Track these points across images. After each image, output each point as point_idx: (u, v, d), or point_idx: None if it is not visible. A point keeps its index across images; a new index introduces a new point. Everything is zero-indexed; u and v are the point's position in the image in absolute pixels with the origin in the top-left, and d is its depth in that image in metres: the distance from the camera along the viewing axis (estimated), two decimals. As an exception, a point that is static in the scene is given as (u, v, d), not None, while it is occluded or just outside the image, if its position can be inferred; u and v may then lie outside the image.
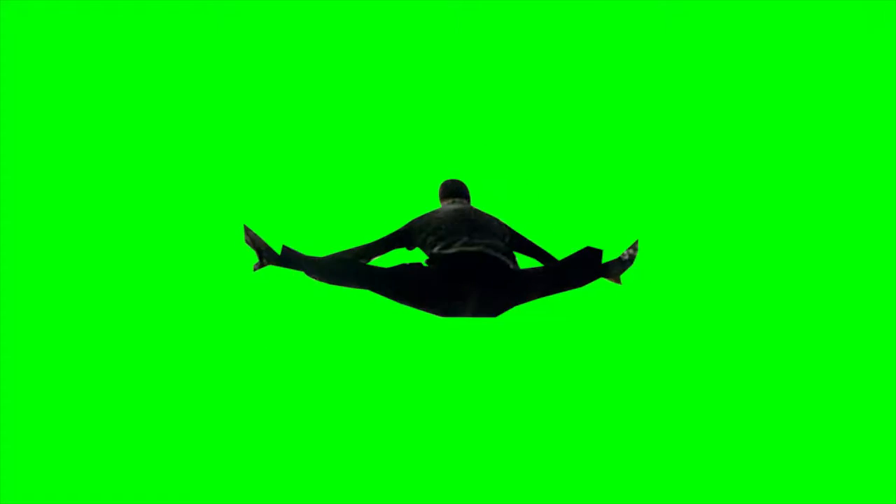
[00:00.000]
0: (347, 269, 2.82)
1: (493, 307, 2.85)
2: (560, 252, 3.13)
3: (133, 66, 3.62)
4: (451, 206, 3.11)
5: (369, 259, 2.98)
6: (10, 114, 3.43)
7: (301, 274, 2.81)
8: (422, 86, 3.77)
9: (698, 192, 3.55)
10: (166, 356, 2.89)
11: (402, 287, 2.78)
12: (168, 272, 3.14)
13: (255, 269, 2.82)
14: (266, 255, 2.79)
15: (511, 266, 2.84)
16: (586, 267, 2.89)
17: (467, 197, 3.24)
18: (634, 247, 3.04)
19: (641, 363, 2.96)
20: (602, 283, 3.03)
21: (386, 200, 3.41)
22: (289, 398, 2.77)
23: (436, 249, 2.87)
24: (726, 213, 3.48)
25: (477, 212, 3.08)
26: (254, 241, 2.79)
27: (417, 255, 3.00)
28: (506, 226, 3.10)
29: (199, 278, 3.10)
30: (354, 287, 2.81)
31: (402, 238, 3.02)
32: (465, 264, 2.78)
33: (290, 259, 2.77)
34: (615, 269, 2.99)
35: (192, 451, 2.62)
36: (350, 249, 2.97)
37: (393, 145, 3.67)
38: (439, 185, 3.27)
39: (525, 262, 3.06)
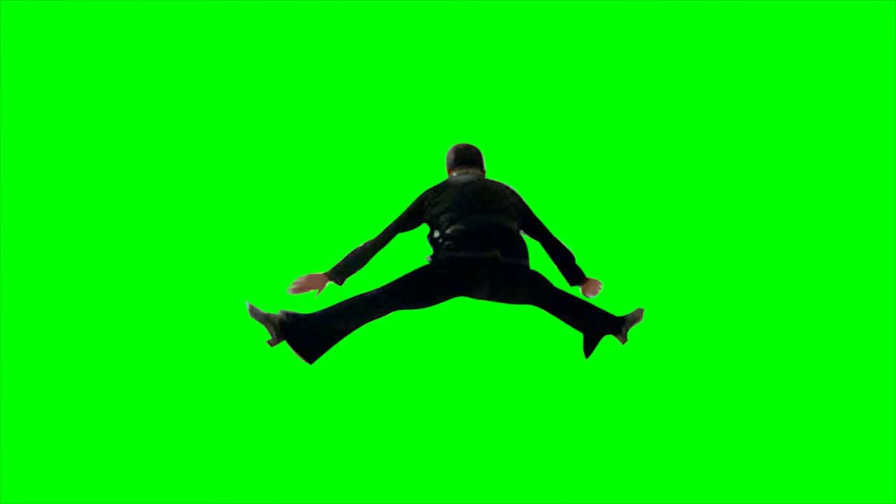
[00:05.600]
0: (356, 307, 2.66)
1: (506, 294, 2.79)
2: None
3: (132, 67, 3.62)
4: (463, 177, 2.95)
5: (386, 243, 2.85)
6: (10, 114, 3.43)
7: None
8: (422, 85, 3.78)
9: (697, 196, 3.56)
10: (166, 356, 2.88)
11: (413, 296, 2.70)
12: (168, 272, 3.13)
13: (270, 345, 2.61)
14: (276, 329, 2.60)
15: (523, 262, 2.77)
16: (604, 324, 2.85)
17: (481, 165, 3.06)
18: (639, 313, 2.95)
19: (641, 363, 2.96)
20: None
21: (386, 200, 3.41)
22: (289, 398, 2.76)
23: (448, 230, 2.76)
24: (724, 217, 3.50)
25: (490, 184, 2.92)
26: (265, 318, 2.60)
27: (418, 252, 3.00)
28: (520, 201, 2.96)
29: (200, 277, 3.09)
30: (372, 318, 2.68)
31: (413, 217, 2.90)
32: (476, 268, 2.72)
33: (297, 326, 2.60)
34: (624, 329, 2.92)
35: (193, 448, 2.60)
36: (364, 244, 2.85)
37: (393, 145, 3.68)
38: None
39: (533, 245, 3.01)
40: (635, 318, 2.89)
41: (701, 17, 3.78)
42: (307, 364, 2.63)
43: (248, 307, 2.59)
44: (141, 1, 3.64)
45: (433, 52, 3.78)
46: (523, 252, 2.81)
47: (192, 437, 2.62)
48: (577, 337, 2.96)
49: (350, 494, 2.48)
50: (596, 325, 2.86)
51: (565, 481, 2.57)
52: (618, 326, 2.87)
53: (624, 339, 2.90)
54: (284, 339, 2.60)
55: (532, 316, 3.01)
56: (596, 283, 2.98)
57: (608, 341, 2.92)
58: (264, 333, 2.61)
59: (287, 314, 2.61)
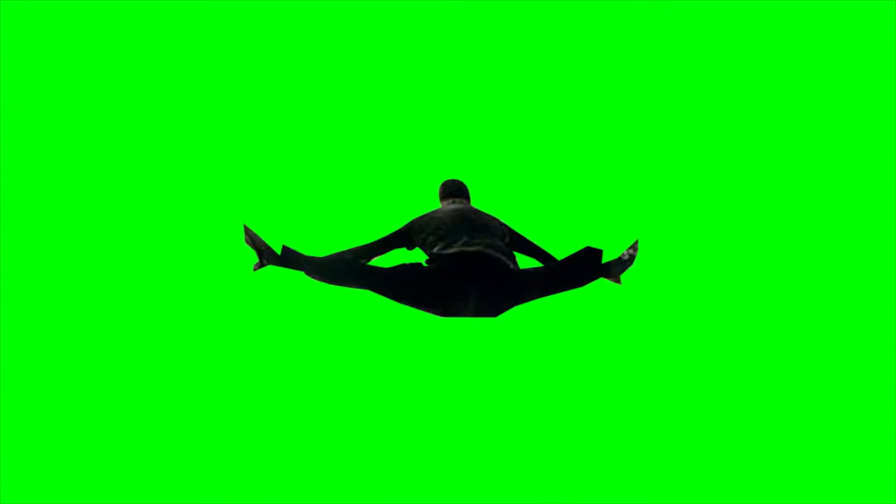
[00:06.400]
0: (348, 269, 2.82)
1: (493, 307, 2.85)
2: (560, 252, 3.14)
3: (133, 66, 3.63)
4: (451, 206, 3.09)
5: (369, 259, 2.97)
6: (10, 114, 3.44)
7: (301, 274, 2.81)
8: (422, 86, 3.78)
9: (698, 191, 3.56)
10: (165, 356, 2.88)
11: (402, 287, 2.78)
12: (168, 272, 3.13)
13: (255, 269, 2.81)
14: (266, 255, 2.79)
15: (511, 266, 2.84)
16: (586, 266, 2.89)
17: (467, 197, 3.22)
18: (634, 247, 3.05)
19: (641, 363, 2.96)
20: (602, 282, 3.03)
21: (385, 200, 3.41)
22: (288, 398, 2.77)
23: (436, 249, 2.86)
24: (726, 211, 3.49)
25: (477, 212, 3.07)
26: (253, 240, 2.79)
27: (417, 256, 3.01)
28: (505, 226, 3.10)
29: (200, 277, 3.10)
30: (355, 287, 2.81)
31: (402, 238, 3.02)
32: (464, 264, 2.77)
33: (289, 259, 2.77)
34: (615, 269, 3.00)
35: (191, 450, 2.61)
36: (350, 249, 2.97)
37: (393, 145, 3.68)
38: (439, 185, 3.26)
39: (525, 262, 3.05)
40: (632, 254, 2.98)
41: (694, 20, 3.78)
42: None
43: (244, 229, 2.73)
44: (141, 1, 3.65)
45: (431, 56, 3.79)
46: (510, 256, 2.89)
47: (191, 438, 2.63)
48: (577, 337, 2.97)
49: (349, 495, 2.49)
50: (593, 269, 2.92)
51: (564, 481, 2.57)
52: (609, 267, 2.95)
53: (618, 277, 2.99)
54: (272, 264, 2.73)
55: (532, 316, 3.01)
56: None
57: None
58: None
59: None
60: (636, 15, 3.79)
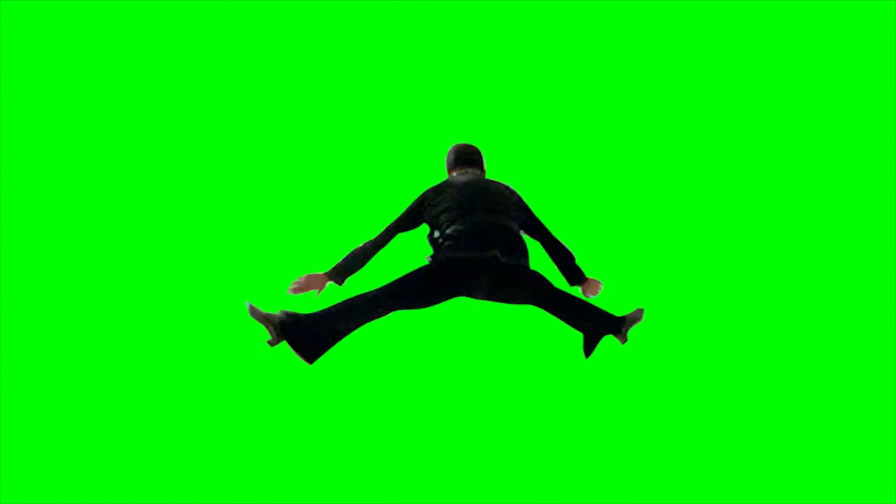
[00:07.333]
0: (357, 307, 2.66)
1: (505, 299, 2.79)
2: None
3: (133, 67, 3.62)
4: (463, 177, 2.95)
5: (386, 242, 2.84)
6: (10, 114, 3.43)
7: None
8: (423, 85, 3.77)
9: (698, 195, 3.56)
10: (167, 358, 2.87)
11: (413, 295, 2.70)
12: (168, 272, 3.13)
13: (271, 345, 2.61)
14: (276, 329, 2.59)
15: (523, 262, 2.77)
16: (604, 324, 2.84)
17: (481, 166, 3.07)
18: (639, 313, 2.94)
19: (641, 363, 2.96)
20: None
21: (387, 200, 3.40)
22: (289, 398, 2.76)
23: (449, 230, 2.76)
24: (724, 216, 3.50)
25: (490, 184, 2.93)
26: (265, 318, 2.59)
27: (418, 252, 2.99)
28: (520, 200, 2.96)
29: (200, 278, 3.09)
30: (372, 318, 2.68)
31: (414, 217, 2.90)
32: (474, 268, 2.72)
33: (297, 326, 2.60)
34: (624, 329, 2.91)
35: (193, 449, 2.60)
36: (364, 244, 2.84)
37: (394, 144, 3.68)
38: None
39: (532, 245, 3.00)
40: (635, 318, 2.90)
41: (701, 16, 3.78)
42: (307, 364, 2.63)
43: (247, 307, 2.59)
44: (141, 1, 3.64)
45: (433, 51, 3.78)
46: (523, 252, 2.81)
47: (193, 438, 2.62)
48: (578, 337, 2.96)
49: (350, 495, 2.48)
50: (596, 325, 2.86)
51: (564, 481, 2.57)
52: (618, 326, 2.87)
53: (624, 339, 2.90)
54: (284, 339, 2.60)
55: (532, 316, 3.01)
56: (596, 283, 2.98)
57: (608, 341, 2.92)
58: (264, 334, 2.61)
59: (287, 314, 2.61)
60: (637, 15, 3.80)
